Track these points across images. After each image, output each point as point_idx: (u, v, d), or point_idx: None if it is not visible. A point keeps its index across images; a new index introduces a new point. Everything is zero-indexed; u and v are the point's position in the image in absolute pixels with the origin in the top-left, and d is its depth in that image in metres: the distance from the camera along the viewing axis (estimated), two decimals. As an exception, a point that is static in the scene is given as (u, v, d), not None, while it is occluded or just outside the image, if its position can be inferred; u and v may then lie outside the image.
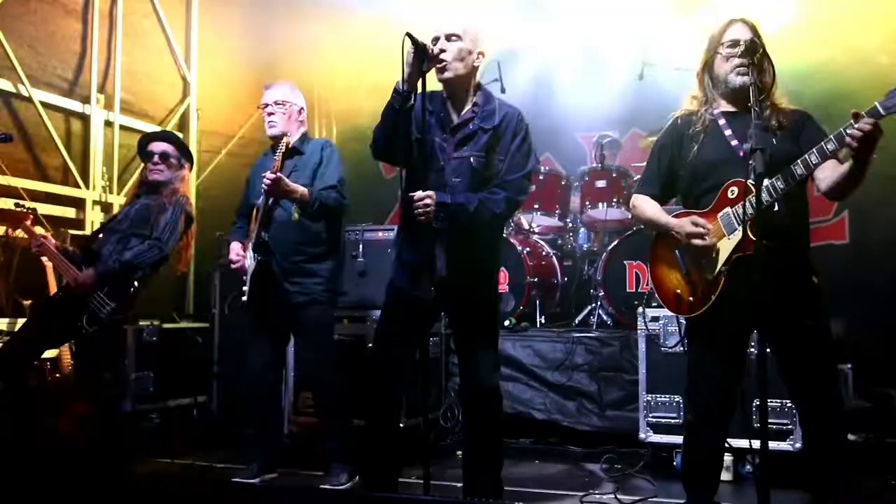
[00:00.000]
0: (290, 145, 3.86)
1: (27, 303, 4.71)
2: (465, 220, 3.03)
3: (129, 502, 2.45)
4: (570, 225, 6.30)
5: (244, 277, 3.88)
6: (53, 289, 4.34)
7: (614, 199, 5.89)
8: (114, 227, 4.14)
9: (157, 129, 6.09)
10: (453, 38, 3.08)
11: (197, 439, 4.93)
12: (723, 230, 2.79)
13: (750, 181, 2.68)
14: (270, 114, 3.97)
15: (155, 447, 4.60)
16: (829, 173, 2.71)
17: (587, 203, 5.99)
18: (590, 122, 7.27)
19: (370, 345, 4.68)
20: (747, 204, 2.67)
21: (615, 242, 5.60)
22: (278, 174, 3.67)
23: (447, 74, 3.09)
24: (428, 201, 2.96)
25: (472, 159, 3.11)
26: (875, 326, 5.05)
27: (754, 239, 2.64)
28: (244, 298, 3.87)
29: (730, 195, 2.78)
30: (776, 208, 2.72)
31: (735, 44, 2.82)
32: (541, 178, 6.10)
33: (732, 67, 2.82)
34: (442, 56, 3.05)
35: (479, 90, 3.22)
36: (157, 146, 4.20)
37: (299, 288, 3.86)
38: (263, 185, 3.69)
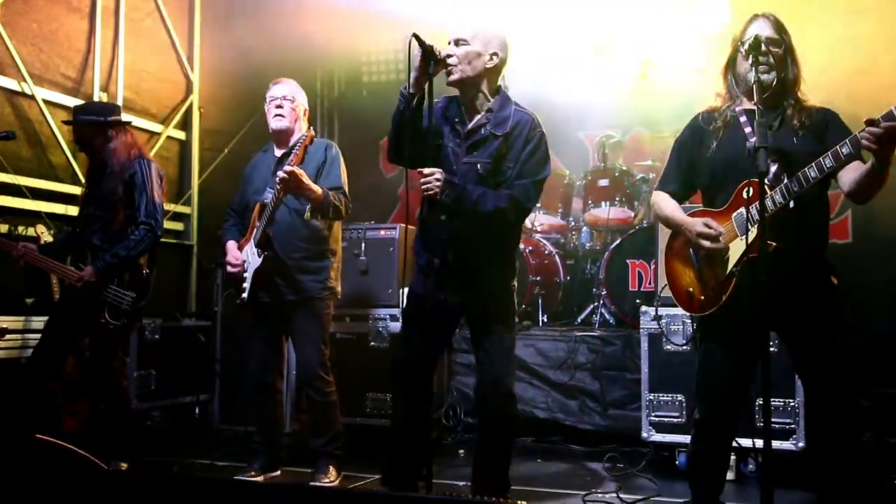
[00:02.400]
0: (313, 140, 3.79)
1: (30, 301, 4.71)
2: (468, 205, 3.00)
3: (129, 500, 2.44)
4: (573, 224, 6.30)
5: (244, 275, 3.86)
6: (56, 293, 4.33)
7: (617, 198, 5.89)
8: (90, 213, 4.02)
9: (158, 127, 6.11)
10: (461, 42, 3.07)
11: (199, 437, 4.94)
12: (736, 230, 2.77)
13: (766, 182, 2.65)
14: (279, 107, 3.93)
15: (157, 445, 4.61)
16: (852, 174, 2.65)
17: (590, 202, 5.99)
18: (592, 122, 7.28)
19: (372, 343, 4.71)
20: (761, 205, 2.64)
21: (617, 241, 5.61)
22: (297, 168, 3.59)
23: (453, 77, 3.07)
24: (438, 176, 2.97)
25: (479, 165, 3.09)
26: (878, 326, 5.03)
27: (767, 240, 2.61)
28: (244, 296, 3.85)
29: (745, 195, 2.75)
30: (791, 207, 2.68)
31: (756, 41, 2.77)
32: (543, 177, 6.10)
33: (752, 65, 2.76)
34: (449, 60, 3.03)
35: (497, 94, 3.17)
36: (75, 135, 4.10)
37: (299, 285, 3.85)
38: (278, 179, 3.61)
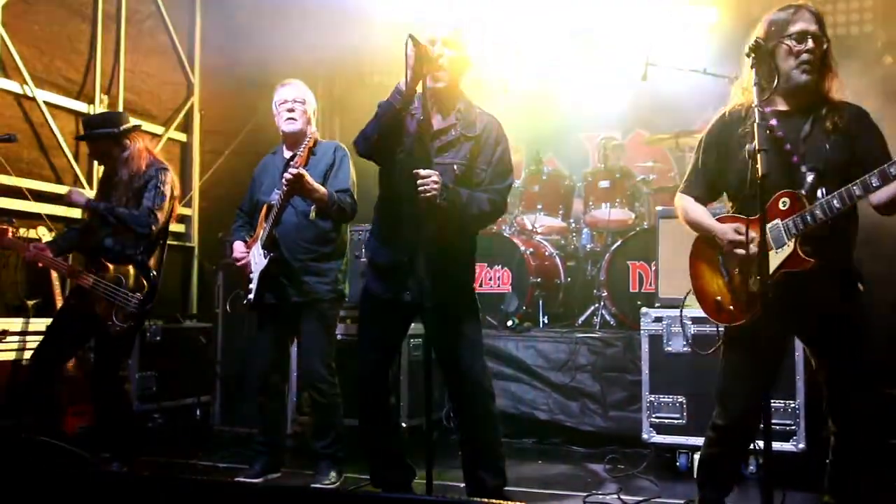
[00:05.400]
0: (316, 142, 3.78)
1: (31, 303, 4.72)
2: (459, 207, 3.03)
3: (131, 502, 2.45)
4: (573, 225, 6.31)
5: (250, 276, 3.85)
6: (58, 295, 4.33)
7: (617, 200, 5.89)
8: (102, 218, 3.99)
9: (160, 129, 6.12)
10: (450, 45, 3.08)
11: (200, 439, 4.94)
12: (770, 242, 2.64)
13: (802, 192, 2.61)
14: (291, 110, 3.91)
15: (158, 447, 4.61)
16: (887, 187, 2.52)
17: (590, 203, 6.00)
18: (593, 123, 7.29)
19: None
20: (798, 220, 2.59)
21: (618, 243, 5.60)
22: (302, 170, 3.59)
23: (442, 84, 3.10)
24: (435, 178, 2.95)
25: (455, 166, 3.10)
26: (880, 326, 5.03)
27: (803, 256, 2.58)
28: (251, 297, 3.85)
29: (781, 206, 2.64)
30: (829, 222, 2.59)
31: (803, 37, 2.63)
32: (544, 178, 6.12)
33: (798, 63, 2.62)
34: (441, 62, 3.05)
35: (461, 97, 3.22)
36: (90, 148, 4.11)
37: (305, 287, 3.84)
38: (284, 181, 3.61)
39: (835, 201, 2.53)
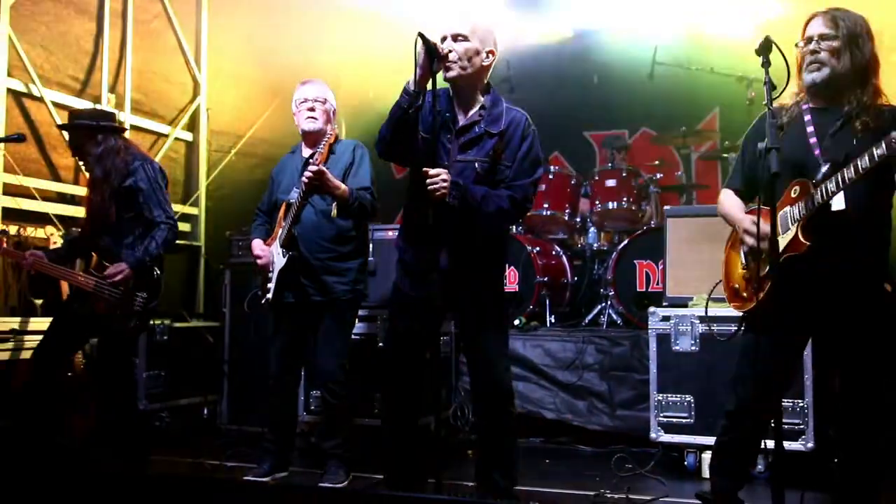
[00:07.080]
0: (336, 138, 3.76)
1: (39, 301, 4.73)
2: (473, 205, 2.99)
3: (139, 501, 2.45)
4: (580, 224, 6.30)
5: (269, 274, 3.84)
6: (65, 294, 4.33)
7: (624, 199, 5.88)
8: (93, 218, 3.97)
9: (166, 129, 6.12)
10: (460, 38, 3.04)
11: (207, 438, 4.95)
12: (779, 229, 2.72)
13: (812, 181, 2.67)
14: (311, 109, 3.91)
15: (165, 446, 4.61)
16: None
17: (597, 202, 5.99)
18: (599, 121, 7.28)
19: (380, 344, 4.71)
20: (801, 205, 2.67)
21: (625, 241, 5.60)
22: (322, 167, 3.58)
23: (451, 74, 3.05)
24: (444, 177, 2.93)
25: (476, 164, 3.07)
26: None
27: (802, 240, 2.65)
28: (269, 296, 3.83)
29: (792, 194, 2.74)
30: (838, 211, 2.64)
31: (809, 40, 2.77)
32: (550, 177, 6.11)
33: (806, 65, 2.77)
34: (449, 56, 3.02)
35: (488, 92, 3.18)
36: (68, 140, 4.07)
37: (323, 286, 3.82)
38: (304, 178, 3.59)
39: (830, 184, 2.60)
